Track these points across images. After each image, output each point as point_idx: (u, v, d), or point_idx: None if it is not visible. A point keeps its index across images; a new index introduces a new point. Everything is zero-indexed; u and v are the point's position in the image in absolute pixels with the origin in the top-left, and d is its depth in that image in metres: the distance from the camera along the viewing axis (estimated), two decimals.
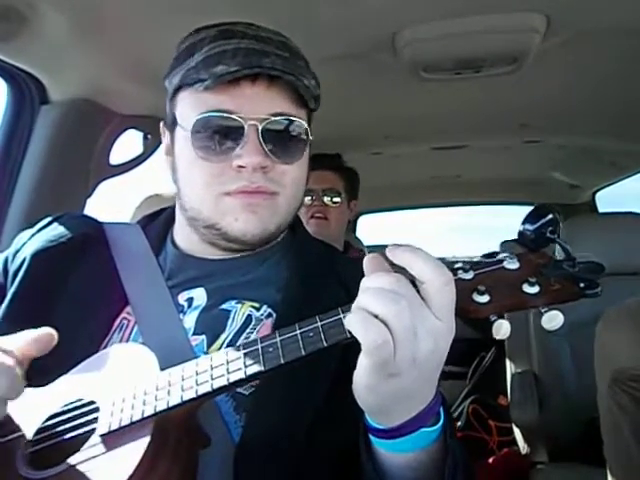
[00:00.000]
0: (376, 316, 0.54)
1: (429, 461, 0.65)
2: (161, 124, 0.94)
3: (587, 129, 2.45)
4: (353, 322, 0.55)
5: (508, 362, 2.58)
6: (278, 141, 0.82)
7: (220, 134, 0.81)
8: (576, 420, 2.02)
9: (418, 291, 0.57)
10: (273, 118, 0.82)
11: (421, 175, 3.49)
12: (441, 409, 0.65)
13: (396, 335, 0.53)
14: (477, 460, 2.60)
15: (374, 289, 0.56)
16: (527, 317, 2.35)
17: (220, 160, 0.81)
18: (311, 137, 0.88)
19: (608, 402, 1.36)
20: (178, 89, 0.86)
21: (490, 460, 2.59)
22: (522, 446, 2.44)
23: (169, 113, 0.90)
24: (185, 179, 0.87)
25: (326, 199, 2.14)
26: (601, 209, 3.58)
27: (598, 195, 3.56)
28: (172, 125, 0.89)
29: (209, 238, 0.87)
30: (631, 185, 3.10)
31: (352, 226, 3.85)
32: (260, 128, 0.80)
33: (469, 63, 1.62)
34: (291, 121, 0.84)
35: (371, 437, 0.66)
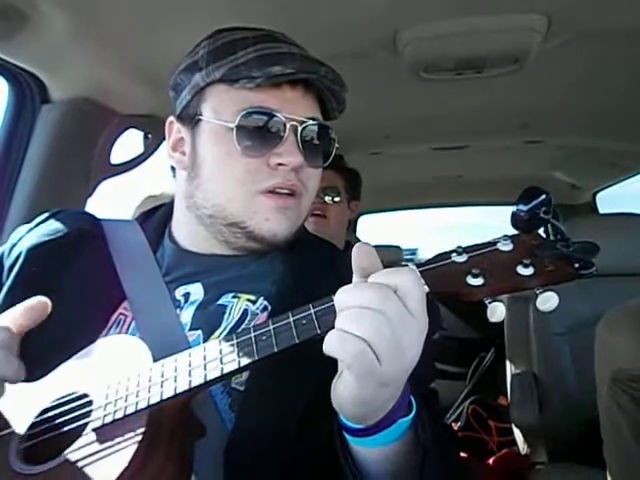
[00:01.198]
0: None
1: (405, 451, 0.66)
2: (170, 118, 0.93)
3: (588, 129, 2.45)
4: (329, 343, 0.55)
5: (508, 362, 2.57)
6: (312, 145, 0.86)
7: (262, 131, 0.82)
8: (576, 420, 2.02)
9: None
10: (311, 122, 0.85)
11: (422, 175, 3.49)
12: (412, 398, 0.66)
13: (375, 347, 0.54)
14: (477, 460, 2.60)
15: (350, 312, 0.55)
16: (527, 318, 2.35)
17: (257, 157, 0.83)
18: (338, 146, 0.91)
19: (608, 402, 1.36)
20: (210, 83, 0.85)
21: (490, 460, 2.59)
22: (522, 446, 2.44)
23: (188, 107, 0.88)
24: (212, 175, 0.86)
25: (325, 197, 2.15)
26: (601, 209, 3.58)
27: (598, 196, 3.56)
28: (192, 119, 0.87)
29: (229, 236, 0.87)
30: (631, 185, 3.11)
31: (352, 226, 3.85)
32: (299, 130, 0.83)
33: (470, 63, 1.62)
34: (326, 127, 0.88)
35: (347, 436, 0.66)
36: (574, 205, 3.57)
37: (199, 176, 0.87)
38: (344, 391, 0.58)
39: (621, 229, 2.20)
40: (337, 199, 2.16)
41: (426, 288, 0.60)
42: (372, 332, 0.53)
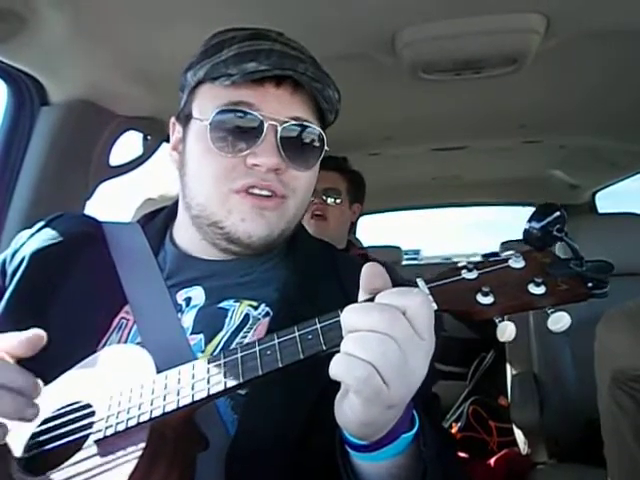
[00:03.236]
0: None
1: (406, 465, 0.65)
2: (172, 119, 0.94)
3: (587, 129, 2.45)
4: (337, 365, 0.54)
5: (508, 363, 2.57)
6: (295, 146, 0.83)
7: (239, 129, 0.81)
8: (576, 421, 2.02)
9: None
10: (293, 122, 0.82)
11: (421, 176, 3.49)
12: (414, 412, 0.65)
13: (385, 375, 0.53)
14: (477, 461, 2.60)
15: (358, 335, 0.54)
16: (527, 318, 2.35)
17: (234, 155, 0.81)
18: (327, 148, 0.89)
19: (608, 402, 1.36)
20: (200, 82, 0.86)
21: (490, 461, 2.59)
22: (522, 447, 2.44)
23: (185, 106, 0.89)
24: (194, 173, 0.86)
25: (327, 199, 2.15)
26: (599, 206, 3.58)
27: (598, 195, 3.56)
28: (186, 119, 0.88)
29: (211, 238, 0.87)
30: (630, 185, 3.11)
31: (353, 227, 3.85)
32: (279, 130, 0.81)
33: (469, 64, 1.62)
34: (310, 128, 0.85)
35: (349, 450, 0.65)
36: (573, 205, 3.57)
37: (186, 175, 0.88)
38: (348, 412, 0.57)
39: (620, 229, 2.20)
40: (338, 201, 2.16)
41: (434, 305, 0.58)
42: (379, 356, 0.52)
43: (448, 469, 0.72)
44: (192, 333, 0.83)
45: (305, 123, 0.84)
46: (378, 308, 0.55)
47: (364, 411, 0.55)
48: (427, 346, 0.56)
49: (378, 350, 0.52)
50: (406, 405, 0.60)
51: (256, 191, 0.82)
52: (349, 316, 0.56)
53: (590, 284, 0.59)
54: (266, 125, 0.80)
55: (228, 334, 0.82)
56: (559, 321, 0.58)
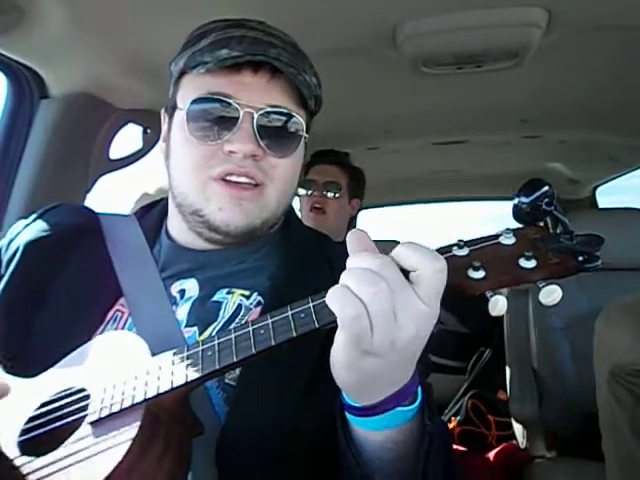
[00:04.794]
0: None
1: (405, 441, 0.65)
2: (162, 111, 0.95)
3: (587, 124, 2.44)
4: (331, 296, 0.55)
5: (507, 357, 2.58)
6: (272, 133, 0.83)
7: (215, 117, 0.81)
8: (575, 414, 2.03)
9: (407, 276, 0.56)
10: (270, 109, 0.82)
11: (421, 170, 3.48)
12: (419, 390, 0.65)
13: (372, 316, 0.53)
14: (476, 454, 2.61)
15: (356, 269, 0.55)
16: (527, 312, 2.36)
17: (212, 143, 0.82)
18: (306, 135, 0.89)
19: (607, 396, 1.36)
20: (182, 73, 0.87)
21: (489, 454, 2.60)
22: (521, 441, 2.45)
23: (171, 98, 0.90)
24: (176, 162, 0.87)
25: (326, 192, 2.16)
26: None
27: (598, 190, 3.55)
28: (172, 110, 0.89)
29: (194, 226, 0.88)
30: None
31: (352, 222, 3.84)
32: (255, 117, 0.81)
33: (470, 58, 1.62)
34: (288, 115, 0.85)
35: (347, 414, 0.66)
36: (574, 200, 3.57)
37: (170, 165, 0.89)
38: (333, 351, 0.58)
39: (621, 224, 2.21)
40: (337, 195, 2.16)
41: None
42: (371, 296, 0.53)
43: (449, 453, 0.73)
44: (187, 326, 0.83)
45: (282, 110, 0.84)
46: (372, 254, 0.56)
47: (345, 351, 0.56)
48: (426, 310, 0.55)
49: (371, 289, 0.53)
50: (395, 369, 0.59)
51: (234, 178, 0.82)
52: (348, 260, 0.57)
53: (581, 257, 0.59)
54: (242, 113, 0.80)
55: (220, 325, 0.83)
56: (551, 294, 0.58)
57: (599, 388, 1.43)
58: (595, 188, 3.54)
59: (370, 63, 1.68)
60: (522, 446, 2.44)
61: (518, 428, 2.46)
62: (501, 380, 2.70)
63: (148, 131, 1.87)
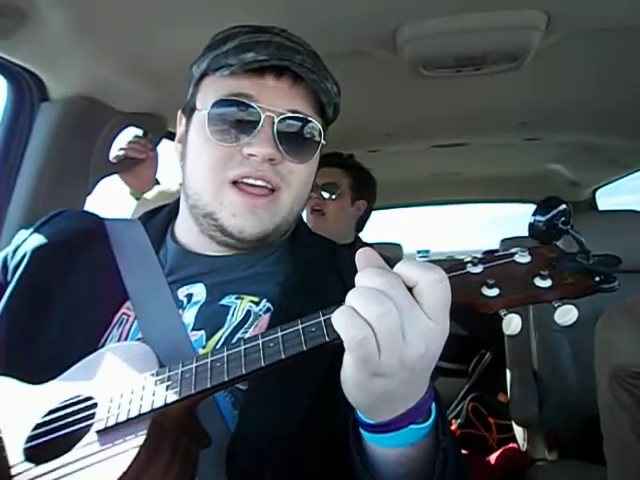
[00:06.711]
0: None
1: (418, 457, 0.65)
2: (179, 112, 0.95)
3: (587, 127, 2.45)
4: (337, 318, 0.54)
5: (508, 359, 2.58)
6: (291, 138, 0.84)
7: (236, 120, 0.82)
8: (576, 417, 2.02)
9: (413, 294, 0.55)
10: (290, 114, 0.83)
11: (421, 173, 3.49)
12: (433, 405, 0.64)
13: (379, 337, 0.53)
14: (477, 457, 2.61)
15: (361, 289, 0.55)
16: (527, 314, 2.35)
17: (231, 145, 0.82)
18: (324, 142, 0.89)
19: (608, 399, 1.36)
20: (204, 75, 0.88)
21: (490, 457, 2.60)
22: (522, 443, 2.45)
23: (190, 99, 0.91)
24: (192, 162, 0.87)
25: (324, 193, 2.15)
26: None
27: (598, 193, 3.56)
28: (190, 111, 0.90)
29: (207, 229, 0.88)
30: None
31: (360, 225, 3.83)
32: (276, 121, 0.82)
33: (470, 60, 1.62)
34: (307, 121, 0.85)
35: (361, 431, 0.65)
36: (574, 202, 3.57)
37: (186, 165, 0.89)
38: (343, 372, 0.58)
39: (621, 226, 2.20)
40: (334, 196, 2.15)
41: None
42: (378, 318, 0.52)
43: (462, 467, 0.72)
44: (193, 329, 0.83)
45: (303, 116, 0.85)
46: (379, 272, 0.55)
47: (353, 372, 0.56)
48: (433, 326, 0.54)
49: (378, 309, 0.52)
50: (407, 386, 0.59)
51: (250, 181, 0.82)
52: (356, 278, 0.56)
53: (597, 278, 0.59)
54: (263, 116, 0.81)
55: (229, 330, 0.82)
56: (566, 314, 0.58)
57: (600, 390, 1.42)
58: (595, 190, 3.55)
59: (370, 66, 1.68)
60: (523, 449, 2.44)
61: (519, 431, 2.46)
62: (502, 383, 2.70)
63: (148, 134, 1.87)
